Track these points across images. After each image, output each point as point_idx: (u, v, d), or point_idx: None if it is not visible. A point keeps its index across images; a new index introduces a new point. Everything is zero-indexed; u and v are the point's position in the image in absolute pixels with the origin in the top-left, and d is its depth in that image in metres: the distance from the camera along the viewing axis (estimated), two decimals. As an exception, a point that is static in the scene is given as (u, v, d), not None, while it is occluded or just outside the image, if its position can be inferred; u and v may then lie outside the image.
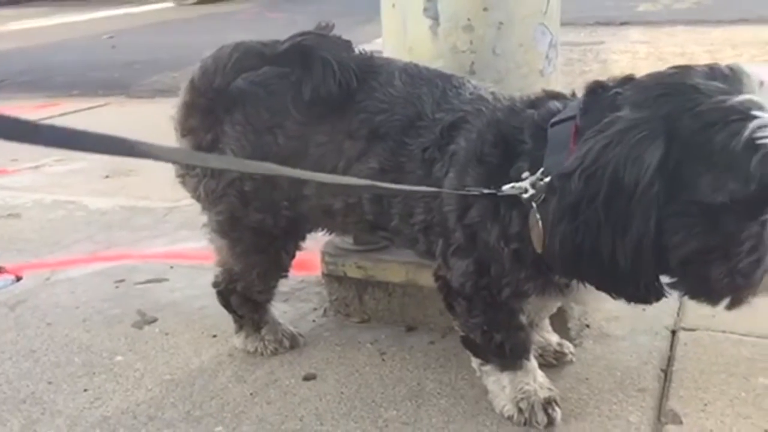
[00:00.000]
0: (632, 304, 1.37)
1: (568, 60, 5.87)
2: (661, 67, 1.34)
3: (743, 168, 1.14)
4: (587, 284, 1.39)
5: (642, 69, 1.45)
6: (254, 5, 11.08)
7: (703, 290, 1.28)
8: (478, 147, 1.50)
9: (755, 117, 1.15)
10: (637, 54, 5.97)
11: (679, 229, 1.22)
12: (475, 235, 1.51)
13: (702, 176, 1.18)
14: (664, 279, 1.32)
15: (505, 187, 1.41)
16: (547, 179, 1.36)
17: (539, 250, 1.38)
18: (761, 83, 1.19)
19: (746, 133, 1.14)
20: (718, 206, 1.18)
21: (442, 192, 1.53)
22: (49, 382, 1.94)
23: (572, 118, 1.37)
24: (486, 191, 1.43)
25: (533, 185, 1.38)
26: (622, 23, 7.39)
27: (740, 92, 1.18)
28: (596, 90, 1.37)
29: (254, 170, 1.62)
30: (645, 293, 1.30)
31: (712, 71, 1.24)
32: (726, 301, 1.27)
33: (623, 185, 1.21)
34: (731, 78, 1.22)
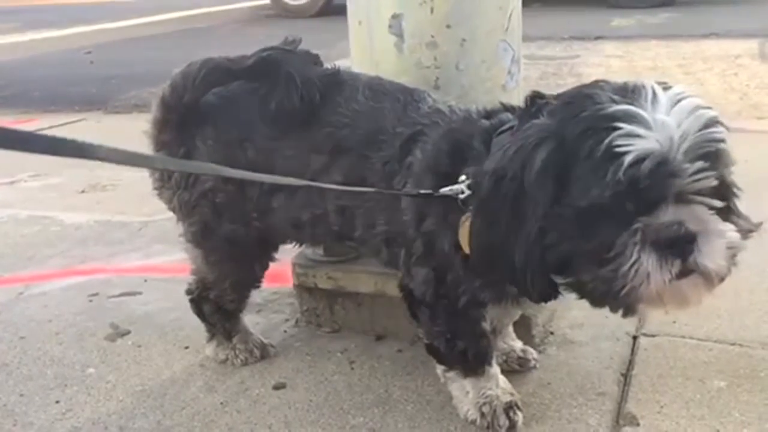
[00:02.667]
0: (541, 303, 1.43)
1: (543, 74, 5.96)
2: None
3: (602, 174, 1.18)
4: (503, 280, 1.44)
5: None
6: (233, 21, 11.12)
7: (584, 294, 1.33)
8: (432, 157, 1.56)
9: (619, 127, 1.18)
10: (611, 68, 6.07)
11: (554, 230, 1.27)
12: (432, 243, 1.56)
13: (576, 180, 1.23)
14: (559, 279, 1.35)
15: (443, 189, 1.46)
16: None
17: (466, 249, 1.43)
18: (656, 99, 1.20)
19: (607, 141, 1.18)
20: (586, 211, 1.22)
21: (382, 193, 1.58)
22: (21, 395, 1.96)
23: (514, 126, 1.43)
24: (422, 192, 1.49)
25: (469, 187, 1.43)
26: (597, 37, 7.50)
27: (627, 103, 1.21)
28: (534, 100, 1.42)
29: (195, 171, 1.67)
30: (532, 289, 1.35)
31: (621, 85, 1.28)
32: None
33: (521, 184, 1.28)
34: (631, 91, 1.24)
